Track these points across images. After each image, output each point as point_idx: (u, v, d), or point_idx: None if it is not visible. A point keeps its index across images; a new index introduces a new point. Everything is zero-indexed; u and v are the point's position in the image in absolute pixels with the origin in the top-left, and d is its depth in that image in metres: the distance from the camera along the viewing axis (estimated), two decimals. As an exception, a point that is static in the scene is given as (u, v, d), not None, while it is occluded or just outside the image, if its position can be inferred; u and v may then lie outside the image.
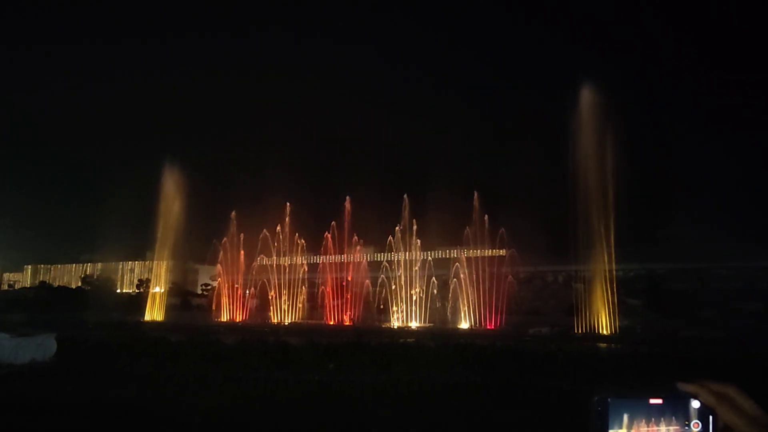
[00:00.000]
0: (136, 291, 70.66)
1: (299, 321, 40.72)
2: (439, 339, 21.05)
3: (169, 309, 46.97)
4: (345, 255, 43.13)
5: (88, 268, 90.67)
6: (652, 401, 1.16)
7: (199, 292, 67.48)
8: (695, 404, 1.15)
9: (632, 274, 53.81)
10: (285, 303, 41.68)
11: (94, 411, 9.82)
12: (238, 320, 41.98)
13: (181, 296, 60.01)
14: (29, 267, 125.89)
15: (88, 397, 10.87)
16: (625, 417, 1.15)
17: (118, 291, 48.95)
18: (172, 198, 44.35)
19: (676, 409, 1.16)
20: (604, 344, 24.32)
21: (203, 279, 76.78)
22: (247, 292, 45.38)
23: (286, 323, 39.12)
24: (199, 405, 10.30)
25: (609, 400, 1.16)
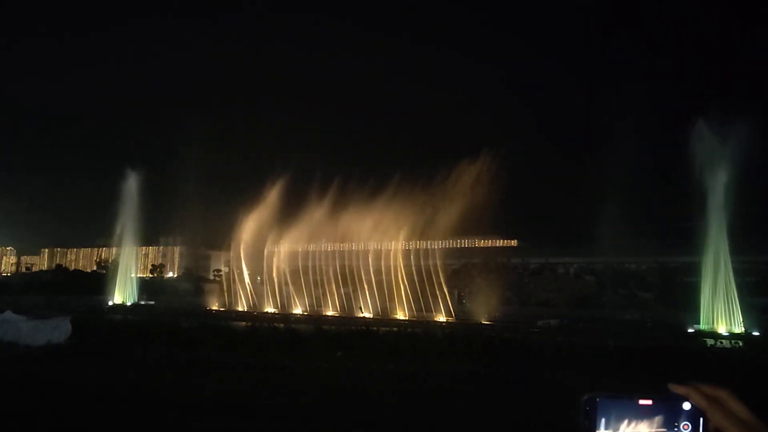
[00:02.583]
0: (150, 276, 71.61)
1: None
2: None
3: (182, 294, 47.44)
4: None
5: (104, 253, 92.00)
6: (642, 402, 1.14)
7: (211, 277, 68.19)
8: (686, 406, 1.13)
9: (644, 267, 53.35)
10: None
11: (106, 394, 10.04)
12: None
13: (193, 282, 60.68)
14: (46, 250, 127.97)
15: (101, 380, 11.11)
16: (614, 417, 1.14)
17: (133, 275, 49.73)
18: (186, 184, 44.66)
19: (666, 410, 1.14)
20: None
21: (215, 265, 77.49)
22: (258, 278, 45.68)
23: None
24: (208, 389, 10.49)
25: (598, 399, 1.15)
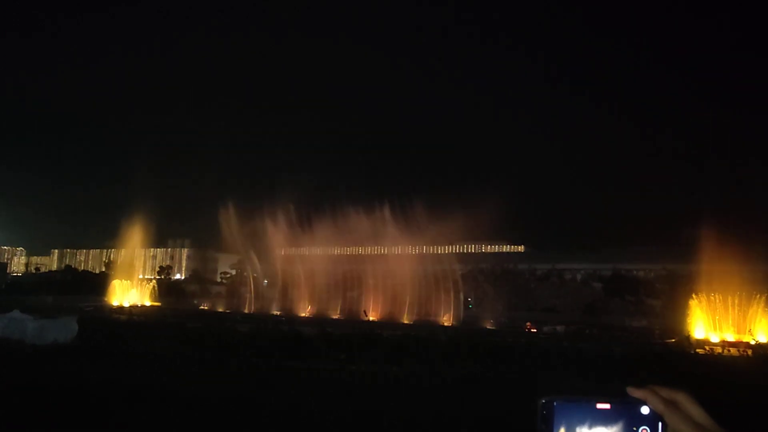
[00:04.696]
0: (158, 277, 72.03)
1: None
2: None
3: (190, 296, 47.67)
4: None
5: (112, 254, 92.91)
6: (600, 406, 1.12)
7: (218, 280, 68.51)
8: (644, 410, 1.12)
9: (653, 274, 53.01)
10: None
11: (111, 392, 10.09)
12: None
13: (200, 284, 60.99)
14: (56, 251, 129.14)
15: (106, 378, 11.18)
16: (572, 421, 1.12)
17: (140, 277, 50.08)
18: (195, 186, 44.96)
19: (625, 414, 1.12)
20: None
21: (223, 267, 77.88)
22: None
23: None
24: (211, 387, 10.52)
25: (555, 403, 1.12)
